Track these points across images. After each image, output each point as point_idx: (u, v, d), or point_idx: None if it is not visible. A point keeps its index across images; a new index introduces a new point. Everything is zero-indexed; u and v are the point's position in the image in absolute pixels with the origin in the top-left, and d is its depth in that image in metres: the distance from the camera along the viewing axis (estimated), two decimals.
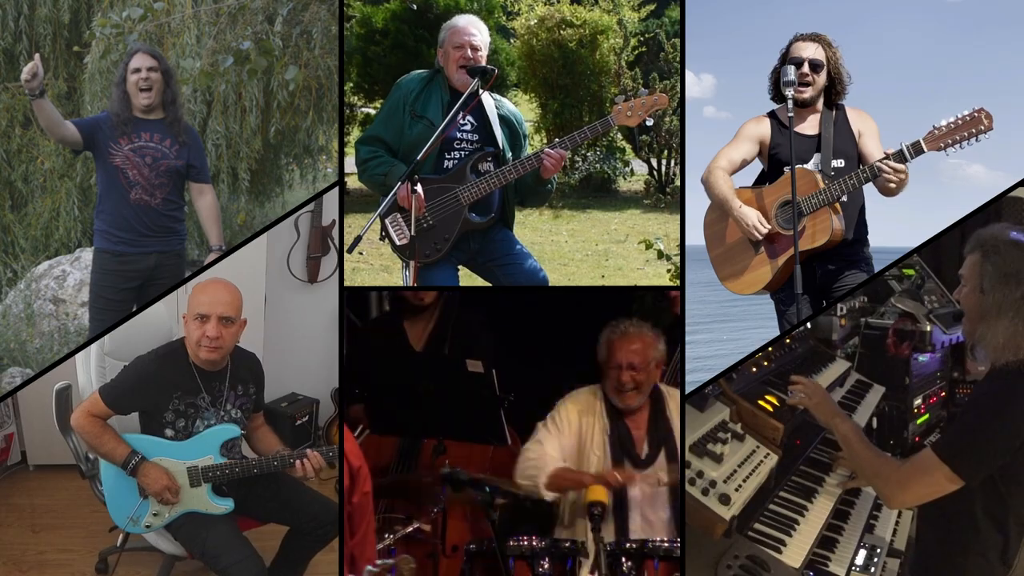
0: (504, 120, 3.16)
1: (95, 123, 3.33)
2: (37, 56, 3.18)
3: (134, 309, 3.40)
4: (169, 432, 2.86)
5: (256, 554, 2.81)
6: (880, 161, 2.93)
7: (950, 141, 2.87)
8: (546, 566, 2.57)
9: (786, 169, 3.06)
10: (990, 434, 2.12)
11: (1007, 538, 2.25)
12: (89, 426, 2.81)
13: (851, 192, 3.01)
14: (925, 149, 2.90)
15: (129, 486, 2.85)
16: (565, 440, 2.82)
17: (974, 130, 2.85)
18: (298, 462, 2.85)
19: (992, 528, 2.23)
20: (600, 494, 2.61)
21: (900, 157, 2.92)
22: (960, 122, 2.86)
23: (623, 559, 2.59)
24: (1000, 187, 3.20)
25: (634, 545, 2.62)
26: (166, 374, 2.84)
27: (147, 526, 2.88)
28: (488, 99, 3.13)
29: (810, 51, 3.08)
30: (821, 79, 3.09)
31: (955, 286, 2.37)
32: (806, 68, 3.07)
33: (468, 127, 3.11)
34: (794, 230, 2.97)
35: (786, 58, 3.11)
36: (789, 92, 3.00)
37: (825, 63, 3.08)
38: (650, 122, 3.08)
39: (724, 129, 3.24)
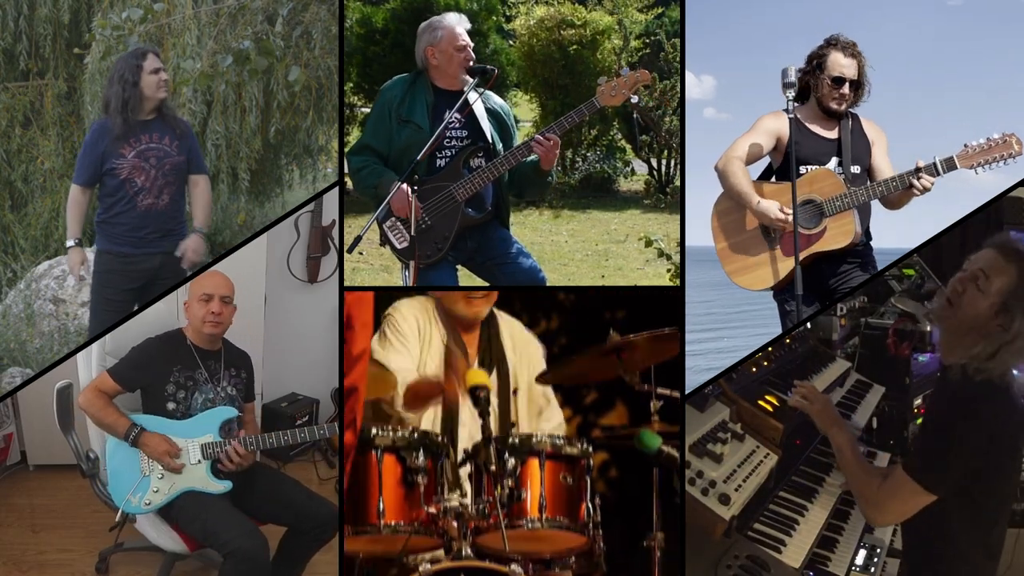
0: (492, 113, 3.15)
1: (100, 157, 3.32)
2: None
3: (135, 308, 3.41)
4: (170, 405, 3.01)
5: (256, 528, 2.87)
6: (913, 172, 2.96)
7: (982, 161, 2.95)
8: (420, 460, 2.45)
9: (804, 169, 3.07)
10: (953, 445, 2.13)
11: (988, 533, 2.26)
12: (95, 399, 2.97)
13: (878, 198, 3.04)
14: (958, 166, 2.97)
15: (130, 465, 2.95)
16: (412, 348, 2.72)
17: (1005, 153, 2.94)
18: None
19: (968, 527, 2.24)
20: (481, 377, 2.49)
21: (932, 171, 2.97)
22: (992, 144, 2.95)
23: (505, 455, 2.46)
24: (1000, 188, 3.21)
25: (517, 440, 2.49)
26: (167, 352, 3.05)
27: (147, 504, 2.95)
28: (474, 94, 3.12)
29: (851, 71, 3.10)
30: (854, 93, 3.13)
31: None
32: (846, 89, 3.10)
33: (457, 124, 3.10)
34: (794, 231, 2.98)
35: (822, 66, 3.10)
36: (791, 93, 3.01)
37: (860, 81, 3.12)
38: (635, 99, 3.07)
39: (725, 130, 3.26)
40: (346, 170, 3.29)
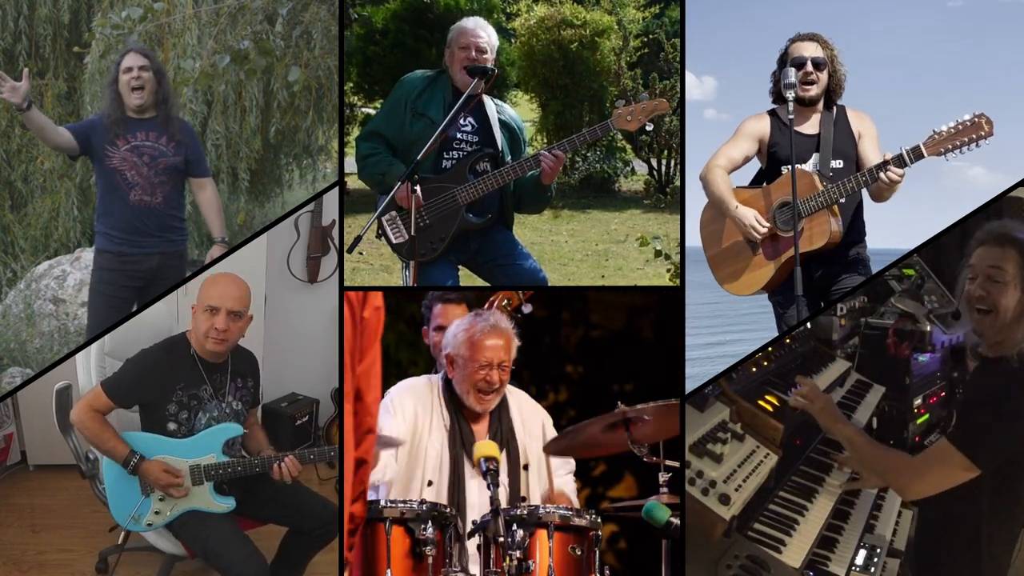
0: (505, 125, 3.17)
1: (89, 126, 3.33)
2: (26, 72, 3.20)
3: (134, 309, 3.40)
4: (172, 425, 2.88)
5: (258, 552, 2.82)
6: (881, 166, 2.93)
7: (950, 146, 2.87)
8: (428, 532, 2.44)
9: (784, 169, 3.06)
10: (1006, 423, 2.16)
11: (1003, 524, 2.27)
12: (90, 421, 2.82)
13: (850, 195, 3.01)
14: (925, 154, 2.90)
15: (131, 484, 2.85)
16: (398, 429, 2.67)
17: (974, 135, 2.85)
18: (275, 465, 2.87)
19: (995, 511, 2.25)
20: (490, 449, 2.48)
21: (900, 162, 2.92)
22: (960, 127, 2.86)
23: (514, 526, 2.46)
24: (1001, 189, 3.20)
25: (525, 512, 2.49)
26: (169, 365, 2.88)
27: (148, 524, 2.89)
28: (490, 103, 3.15)
29: (810, 50, 3.09)
30: (824, 76, 3.10)
31: (955, 286, 2.37)
32: (809, 67, 3.07)
33: (469, 128, 3.11)
34: (794, 232, 2.97)
35: (785, 61, 3.11)
36: (791, 94, 3.00)
37: (827, 61, 3.09)
38: (650, 127, 3.10)
39: (725, 131, 3.25)
40: (347, 168, 3.29)
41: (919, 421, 3.49)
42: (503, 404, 2.78)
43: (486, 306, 2.85)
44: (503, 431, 2.75)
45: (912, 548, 2.68)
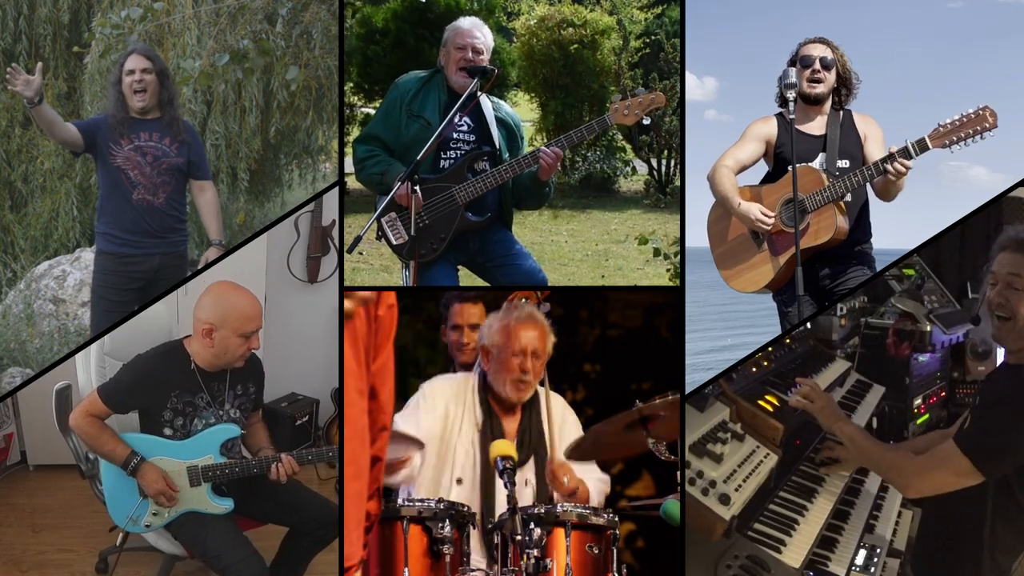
0: (502, 122, 3.16)
1: (94, 124, 3.34)
2: (39, 66, 3.20)
3: (135, 309, 3.40)
4: (167, 431, 2.86)
5: (257, 553, 2.82)
6: (887, 158, 2.94)
7: (955, 138, 2.87)
8: (446, 531, 2.44)
9: (790, 169, 3.06)
10: (1016, 433, 2.14)
11: (1018, 540, 2.27)
12: (87, 426, 2.82)
13: (855, 189, 3.02)
14: (930, 146, 2.90)
15: (129, 485, 2.85)
16: (428, 423, 2.67)
17: (979, 127, 2.86)
18: (272, 466, 2.85)
19: (1003, 529, 2.25)
20: (507, 448, 2.46)
21: (905, 154, 2.92)
22: (965, 119, 2.86)
23: (531, 525, 2.46)
24: (1001, 189, 3.20)
25: (542, 510, 2.49)
26: (164, 373, 2.85)
27: (147, 525, 2.88)
28: (486, 101, 3.14)
29: (819, 51, 3.10)
30: (831, 76, 3.11)
31: (955, 286, 2.38)
32: (817, 65, 3.09)
33: (465, 127, 3.11)
34: (795, 231, 2.98)
35: (795, 63, 3.12)
36: (791, 94, 3.01)
37: (834, 62, 3.10)
38: (647, 121, 3.08)
39: (725, 132, 3.25)
40: (347, 168, 3.29)
41: (919, 421, 3.49)
42: (535, 405, 2.76)
43: (503, 305, 2.84)
44: (532, 433, 2.74)
45: (914, 548, 2.68)
